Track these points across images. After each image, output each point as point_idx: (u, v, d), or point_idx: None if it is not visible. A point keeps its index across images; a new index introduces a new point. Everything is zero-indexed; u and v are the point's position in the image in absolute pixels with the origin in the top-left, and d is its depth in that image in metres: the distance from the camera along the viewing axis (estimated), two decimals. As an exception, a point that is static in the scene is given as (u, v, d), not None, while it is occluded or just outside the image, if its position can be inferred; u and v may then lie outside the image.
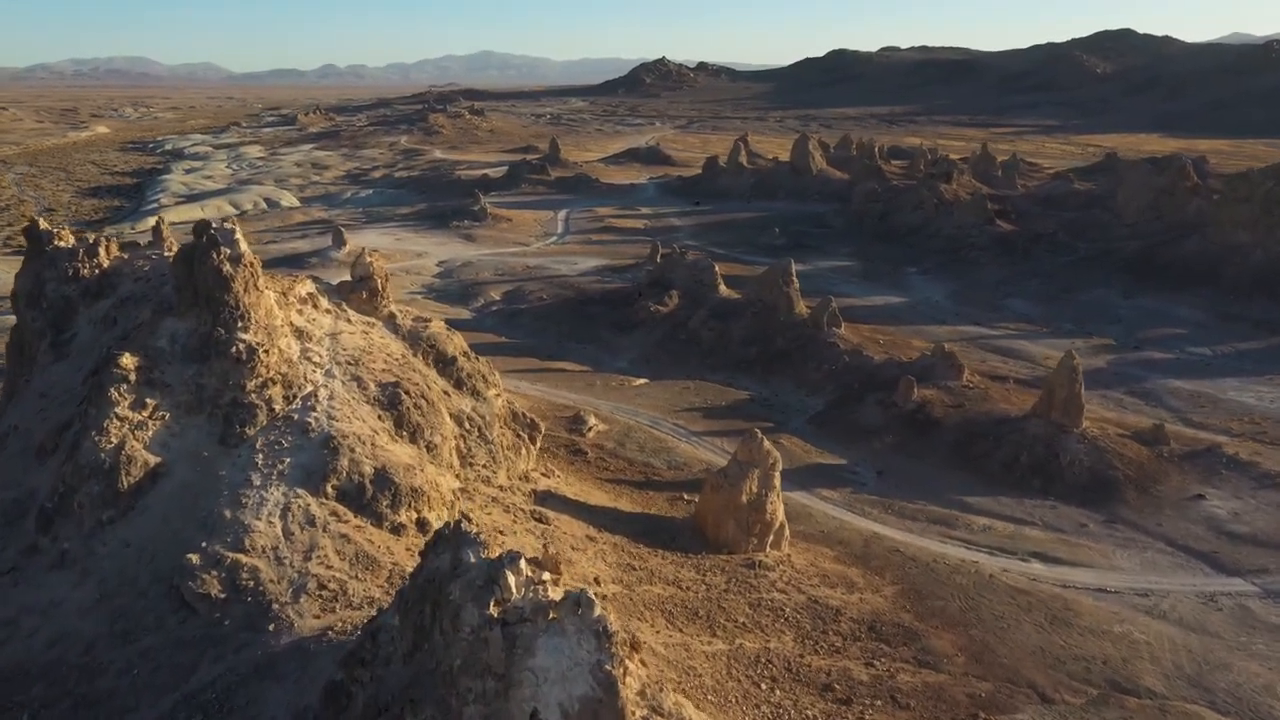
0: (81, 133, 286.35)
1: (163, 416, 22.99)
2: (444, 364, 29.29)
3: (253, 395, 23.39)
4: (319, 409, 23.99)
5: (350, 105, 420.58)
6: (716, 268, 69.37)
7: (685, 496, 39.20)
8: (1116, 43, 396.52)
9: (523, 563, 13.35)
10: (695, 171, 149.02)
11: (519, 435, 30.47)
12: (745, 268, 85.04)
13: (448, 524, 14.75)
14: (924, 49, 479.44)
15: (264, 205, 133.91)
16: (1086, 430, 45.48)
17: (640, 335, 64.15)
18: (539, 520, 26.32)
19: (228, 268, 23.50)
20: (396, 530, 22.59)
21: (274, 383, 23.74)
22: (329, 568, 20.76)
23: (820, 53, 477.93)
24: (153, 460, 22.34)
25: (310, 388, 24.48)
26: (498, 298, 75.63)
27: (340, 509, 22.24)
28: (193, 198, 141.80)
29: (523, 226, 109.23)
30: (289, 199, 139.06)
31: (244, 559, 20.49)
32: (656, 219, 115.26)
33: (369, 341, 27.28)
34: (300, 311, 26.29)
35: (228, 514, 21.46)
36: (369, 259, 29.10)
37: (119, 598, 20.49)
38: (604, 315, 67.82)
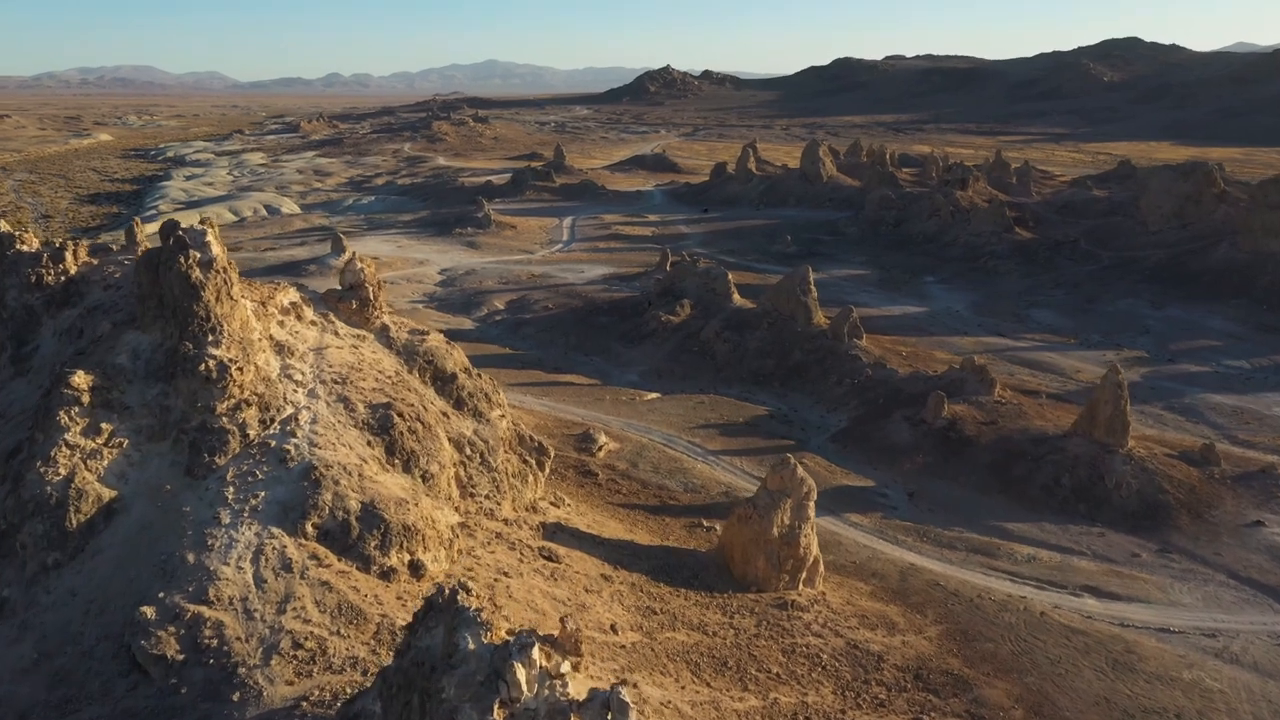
0: (84, 140, 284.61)
1: (120, 444, 20.11)
2: (442, 382, 26.28)
3: (224, 419, 20.51)
4: (300, 435, 21.09)
5: (354, 113, 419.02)
6: (730, 276, 66.51)
7: (704, 523, 36.27)
8: (1124, 51, 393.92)
9: (535, 651, 10.49)
10: (702, 179, 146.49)
11: (525, 461, 27.47)
12: (757, 276, 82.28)
13: (440, 590, 11.90)
14: (929, 57, 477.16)
15: (264, 212, 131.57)
16: (1132, 450, 42.45)
17: (651, 347, 61.27)
18: (548, 558, 23.39)
19: (197, 274, 20.64)
20: (386, 575, 19.67)
21: (249, 404, 20.86)
22: (306, 622, 17.85)
23: (824, 61, 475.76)
24: (107, 494, 19.44)
25: (290, 410, 21.57)
26: (502, 307, 72.83)
27: (321, 551, 19.32)
28: (192, 204, 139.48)
29: (527, 234, 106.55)
30: (290, 206, 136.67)
31: (207, 612, 17.57)
32: (664, 226, 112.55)
33: (358, 357, 24.35)
34: (281, 323, 23.35)
35: (191, 558, 18.56)
36: (359, 265, 26.14)
37: (61, 657, 17.59)
38: (613, 325, 64.97)
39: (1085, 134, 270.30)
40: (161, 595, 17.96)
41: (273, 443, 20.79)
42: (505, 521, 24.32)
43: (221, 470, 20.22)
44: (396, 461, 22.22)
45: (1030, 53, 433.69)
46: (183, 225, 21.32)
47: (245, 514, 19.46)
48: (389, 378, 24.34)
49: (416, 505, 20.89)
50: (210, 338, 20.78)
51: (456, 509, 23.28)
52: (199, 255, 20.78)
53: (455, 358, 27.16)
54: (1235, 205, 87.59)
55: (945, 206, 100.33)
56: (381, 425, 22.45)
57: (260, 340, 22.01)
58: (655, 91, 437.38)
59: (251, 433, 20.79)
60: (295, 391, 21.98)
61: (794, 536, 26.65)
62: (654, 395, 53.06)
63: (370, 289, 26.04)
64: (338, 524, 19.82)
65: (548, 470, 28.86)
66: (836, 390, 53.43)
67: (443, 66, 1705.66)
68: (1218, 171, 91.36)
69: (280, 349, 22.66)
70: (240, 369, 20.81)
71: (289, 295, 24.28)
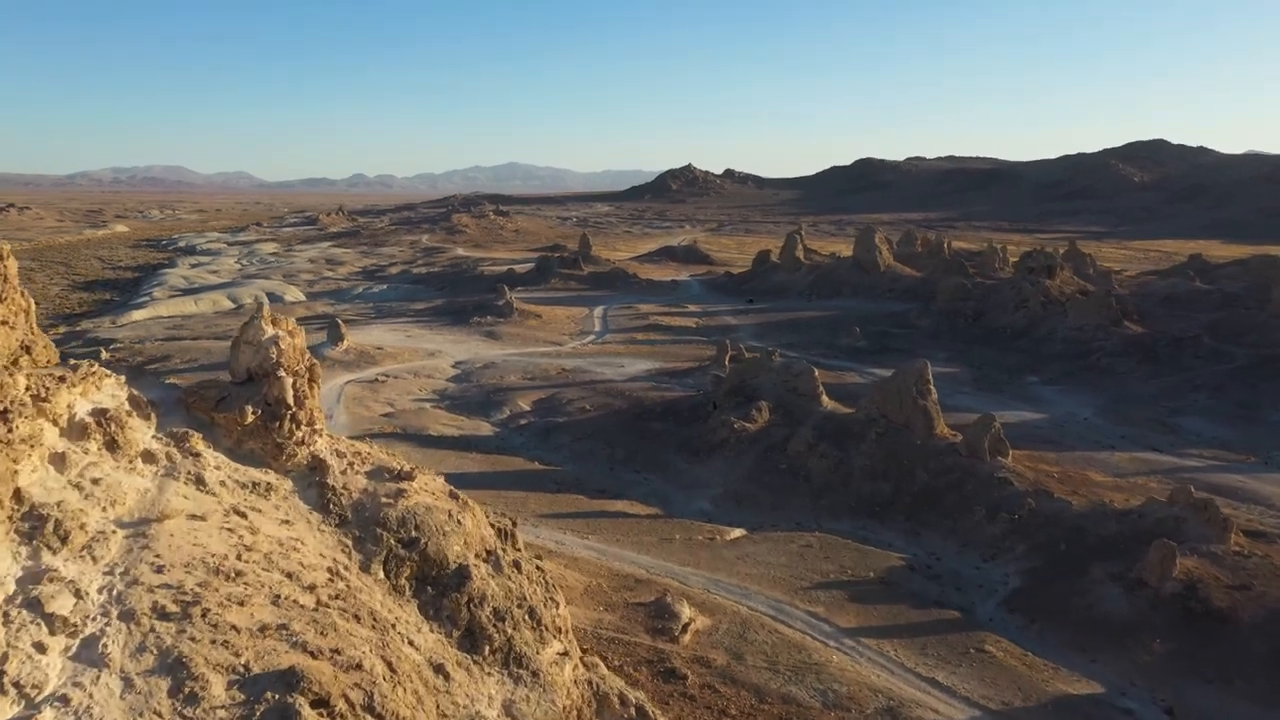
0: (99, 231, 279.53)
1: None
2: (438, 587, 11.78)
3: None
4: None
5: (375, 209, 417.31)
6: (816, 373, 52.95)
7: (879, 782, 21.58)
8: (1152, 152, 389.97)
9: None
10: (737, 270, 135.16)
11: (612, 751, 13.34)
12: (828, 374, 68.75)
13: None
14: (951, 158, 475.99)
15: (265, 299, 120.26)
16: None
17: (722, 462, 47.25)
18: None
19: None
20: None
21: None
22: None
23: (845, 162, 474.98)
24: None
25: (12, 711, 7.90)
26: (527, 408, 59.34)
27: None
28: (189, 291, 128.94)
29: (555, 324, 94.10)
30: (293, 293, 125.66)
31: None
32: (708, 317, 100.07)
33: (242, 539, 10.34)
34: (60, 459, 9.62)
35: None
36: (266, 331, 12.61)
37: None
38: (669, 433, 51.16)
39: (1125, 232, 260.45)
40: None
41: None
42: None
43: None
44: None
45: (1049, 154, 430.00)
46: None
47: None
48: (307, 588, 10.28)
49: None
50: None
51: None
52: None
53: (468, 529, 12.69)
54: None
55: (1035, 297, 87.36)
56: (272, 738, 8.55)
57: (-27, 510, 8.46)
58: (677, 189, 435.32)
59: None
60: (42, 653, 8.22)
61: None
62: (738, 532, 38.78)
63: (287, 382, 12.22)
64: None
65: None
66: (988, 528, 38.99)
67: (465, 168, 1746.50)
68: (1365, 257, 78.16)
69: (34, 528, 8.92)
70: None
71: (97, 391, 10.34)
